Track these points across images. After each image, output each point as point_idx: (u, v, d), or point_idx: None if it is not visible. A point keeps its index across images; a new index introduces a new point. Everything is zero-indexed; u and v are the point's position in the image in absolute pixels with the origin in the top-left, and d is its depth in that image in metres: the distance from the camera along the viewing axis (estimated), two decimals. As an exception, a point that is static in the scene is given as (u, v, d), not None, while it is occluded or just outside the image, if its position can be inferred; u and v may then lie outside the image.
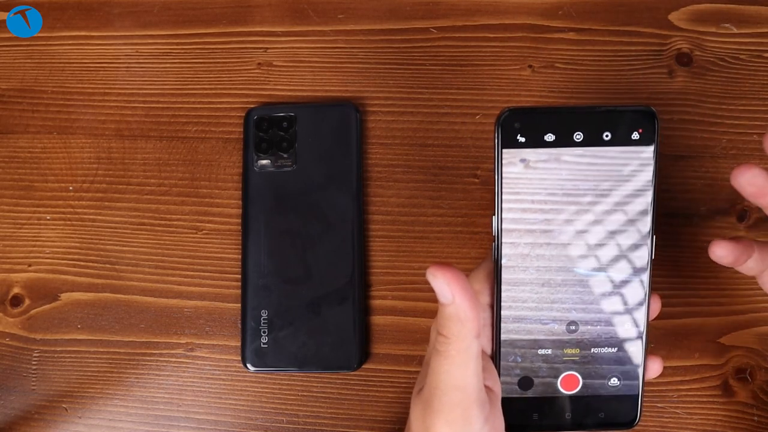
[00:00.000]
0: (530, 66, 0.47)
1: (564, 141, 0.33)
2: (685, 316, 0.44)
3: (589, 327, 0.35)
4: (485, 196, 0.46)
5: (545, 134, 0.33)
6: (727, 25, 0.47)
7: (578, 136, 0.33)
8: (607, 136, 0.33)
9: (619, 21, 0.47)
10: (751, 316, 0.44)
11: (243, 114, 0.47)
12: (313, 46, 0.48)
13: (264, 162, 0.46)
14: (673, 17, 0.47)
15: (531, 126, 0.33)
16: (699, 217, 0.45)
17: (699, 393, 0.44)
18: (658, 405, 0.44)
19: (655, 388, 0.44)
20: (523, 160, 0.33)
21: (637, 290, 0.35)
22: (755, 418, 0.44)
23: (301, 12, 0.48)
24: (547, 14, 0.47)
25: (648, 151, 0.33)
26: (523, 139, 0.33)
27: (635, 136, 0.33)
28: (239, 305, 0.46)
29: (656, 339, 0.44)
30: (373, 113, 0.47)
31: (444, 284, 0.29)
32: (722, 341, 0.44)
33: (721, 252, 0.35)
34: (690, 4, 0.47)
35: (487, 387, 0.33)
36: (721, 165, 0.45)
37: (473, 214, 0.46)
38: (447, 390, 0.30)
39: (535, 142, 0.33)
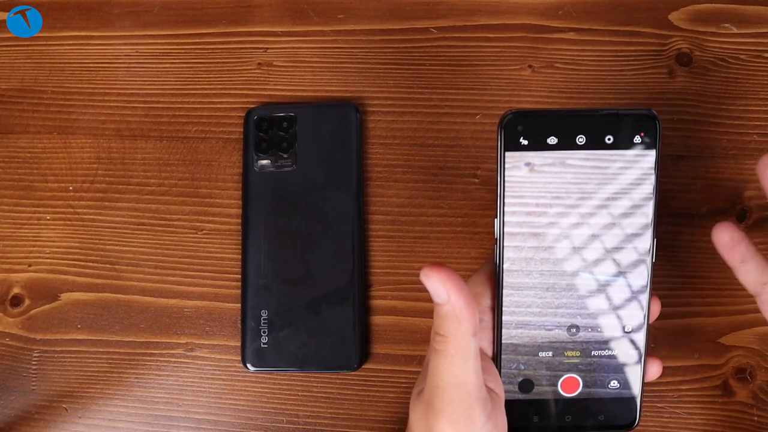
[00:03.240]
0: (530, 66, 0.47)
1: (566, 144, 0.33)
2: (685, 316, 0.44)
3: (589, 330, 0.35)
4: (485, 196, 0.46)
5: (548, 137, 0.33)
6: (727, 25, 0.47)
7: (581, 139, 0.33)
8: (609, 139, 0.33)
9: (619, 21, 0.47)
10: (751, 316, 0.44)
11: (243, 114, 0.47)
12: (313, 46, 0.48)
13: (264, 162, 0.46)
14: (673, 17, 0.47)
15: (534, 129, 0.33)
16: (699, 217, 0.45)
17: (699, 393, 0.44)
18: (658, 405, 0.44)
19: (655, 388, 0.44)
20: (527, 164, 0.33)
21: (638, 293, 0.35)
22: (755, 418, 0.44)
23: (301, 12, 0.48)
24: (547, 14, 0.47)
25: (649, 155, 0.34)
26: (525, 142, 0.33)
27: (637, 139, 0.33)
28: (239, 305, 0.46)
29: (656, 339, 0.44)
30: (373, 113, 0.47)
31: (438, 283, 0.29)
32: (722, 341, 0.44)
33: (723, 235, 0.35)
34: (690, 4, 0.47)
35: (490, 389, 0.33)
36: (721, 165, 0.45)
37: (473, 214, 0.46)
38: (448, 388, 0.30)
39: (538, 144, 0.33)
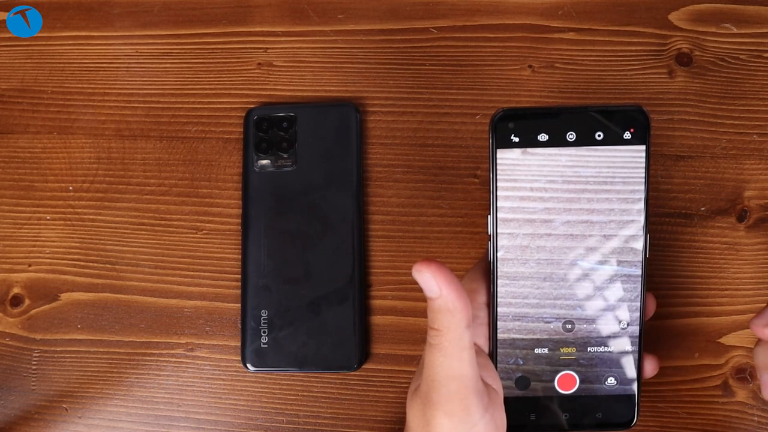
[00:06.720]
0: (530, 66, 0.47)
1: (557, 141, 0.34)
2: (685, 316, 0.44)
3: (585, 326, 0.35)
4: (485, 196, 0.46)
5: (539, 134, 0.34)
6: (727, 25, 0.47)
7: (571, 136, 0.34)
8: (599, 135, 0.34)
9: (619, 21, 0.47)
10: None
11: (243, 114, 0.47)
12: (313, 46, 0.48)
13: (264, 162, 0.46)
14: (673, 17, 0.47)
15: (524, 126, 0.34)
16: (699, 217, 0.45)
17: (699, 393, 0.44)
18: (658, 405, 0.44)
19: (655, 388, 0.44)
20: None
21: (633, 289, 0.35)
22: (755, 418, 0.44)
23: (301, 12, 0.48)
24: (547, 14, 0.47)
25: (640, 150, 0.34)
26: (516, 139, 0.34)
27: (627, 135, 0.34)
28: (239, 305, 0.46)
29: (656, 339, 0.44)
30: (373, 113, 0.47)
31: (430, 278, 0.30)
32: (722, 341, 0.44)
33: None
34: (690, 4, 0.47)
35: (487, 384, 0.33)
36: (721, 165, 0.45)
37: (473, 214, 0.46)
38: (444, 381, 0.31)
39: (529, 142, 0.34)
